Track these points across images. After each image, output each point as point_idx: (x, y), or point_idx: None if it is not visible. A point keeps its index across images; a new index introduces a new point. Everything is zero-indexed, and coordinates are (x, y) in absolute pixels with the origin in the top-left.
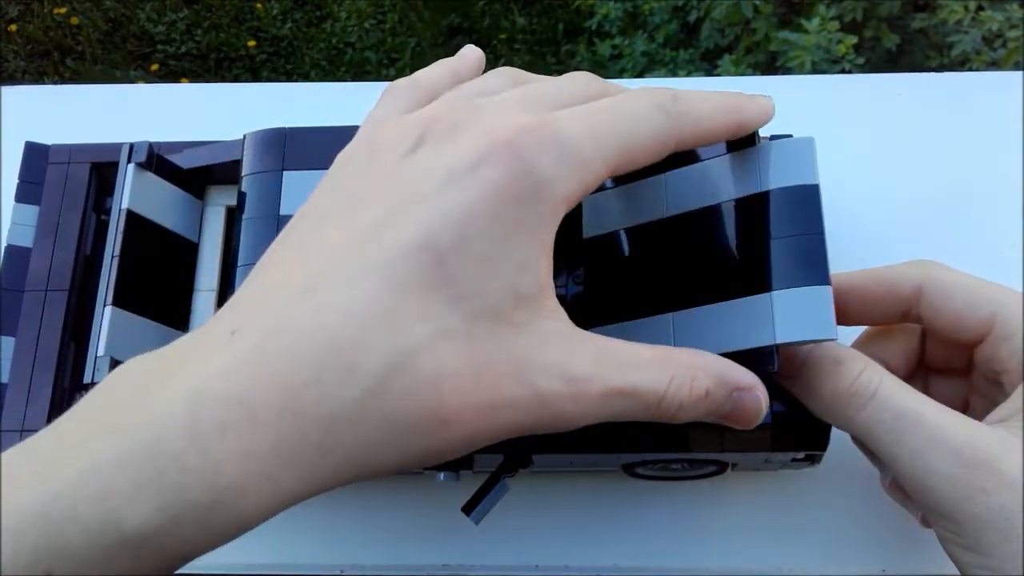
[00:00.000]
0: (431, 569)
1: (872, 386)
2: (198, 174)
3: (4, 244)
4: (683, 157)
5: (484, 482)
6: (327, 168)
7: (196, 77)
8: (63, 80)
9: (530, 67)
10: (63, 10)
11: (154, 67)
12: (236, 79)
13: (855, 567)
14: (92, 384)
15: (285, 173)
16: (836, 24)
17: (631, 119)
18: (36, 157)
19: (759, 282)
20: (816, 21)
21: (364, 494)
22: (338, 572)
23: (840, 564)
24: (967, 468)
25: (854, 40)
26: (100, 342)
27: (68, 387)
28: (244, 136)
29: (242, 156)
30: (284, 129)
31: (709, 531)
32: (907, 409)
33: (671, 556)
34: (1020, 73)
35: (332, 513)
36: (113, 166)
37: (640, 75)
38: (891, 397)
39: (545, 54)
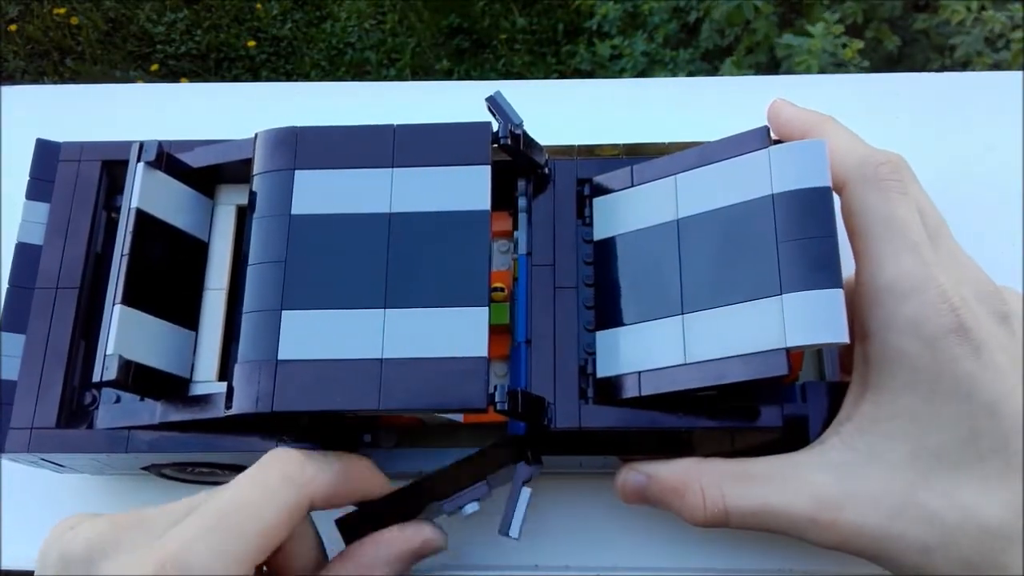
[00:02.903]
0: (431, 569)
1: (720, 504)
2: (208, 173)
3: (13, 241)
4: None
5: (508, 497)
6: (339, 167)
7: (196, 77)
8: (63, 80)
9: (530, 67)
10: (63, 10)
11: (154, 67)
12: (236, 79)
13: (855, 567)
14: (101, 383)
15: (297, 172)
16: (841, 27)
17: (256, 508)
18: (47, 154)
19: (769, 285)
20: (821, 26)
21: None
22: None
23: (840, 564)
24: (820, 529)
25: (860, 45)
26: (109, 340)
27: (78, 385)
28: (255, 135)
29: (253, 155)
30: (296, 128)
31: (708, 531)
32: (756, 506)
33: (671, 556)
34: (1020, 73)
35: (332, 513)
36: (124, 164)
37: (640, 75)
38: (739, 504)
39: (545, 54)
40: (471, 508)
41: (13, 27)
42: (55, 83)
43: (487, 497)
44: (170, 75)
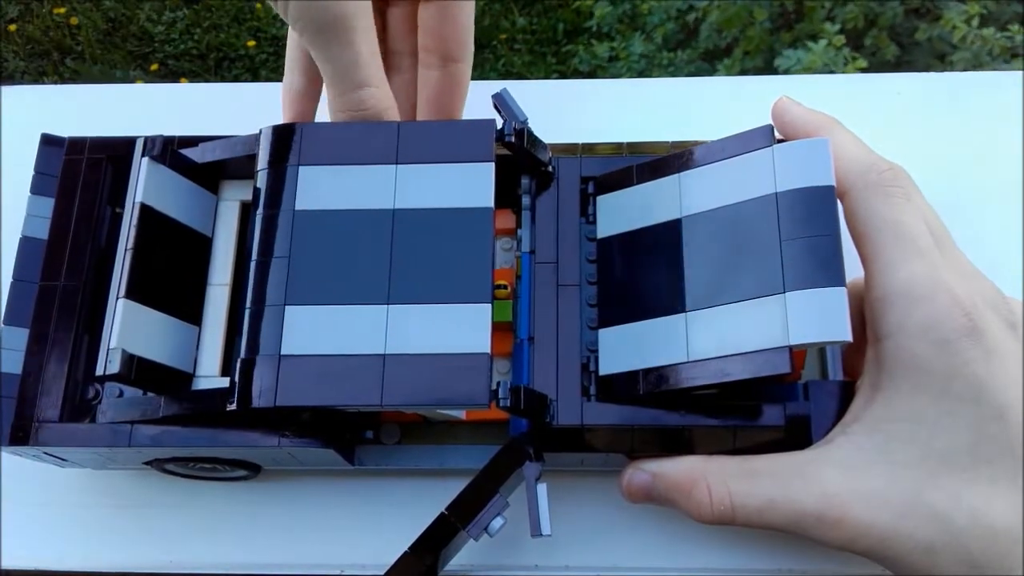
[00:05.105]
0: None
1: (726, 501)
2: (212, 168)
3: (16, 238)
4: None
5: (527, 499)
6: (343, 164)
7: (196, 77)
8: (63, 80)
9: (530, 67)
10: (63, 10)
11: (154, 67)
12: (236, 79)
13: (856, 567)
14: (104, 377)
15: (301, 168)
16: (841, 39)
17: None
18: (51, 149)
19: (773, 283)
20: (823, 43)
21: (365, 494)
22: (338, 572)
23: (840, 564)
24: (827, 526)
25: (864, 64)
26: (113, 335)
27: (81, 380)
28: (260, 131)
29: (257, 151)
30: (300, 124)
31: (709, 531)
32: (762, 503)
33: (671, 556)
34: (1020, 73)
35: (332, 513)
36: (128, 159)
37: (639, 76)
38: (746, 501)
39: (545, 54)
40: (497, 524)
41: (13, 27)
42: (55, 83)
43: (507, 508)
44: (170, 75)
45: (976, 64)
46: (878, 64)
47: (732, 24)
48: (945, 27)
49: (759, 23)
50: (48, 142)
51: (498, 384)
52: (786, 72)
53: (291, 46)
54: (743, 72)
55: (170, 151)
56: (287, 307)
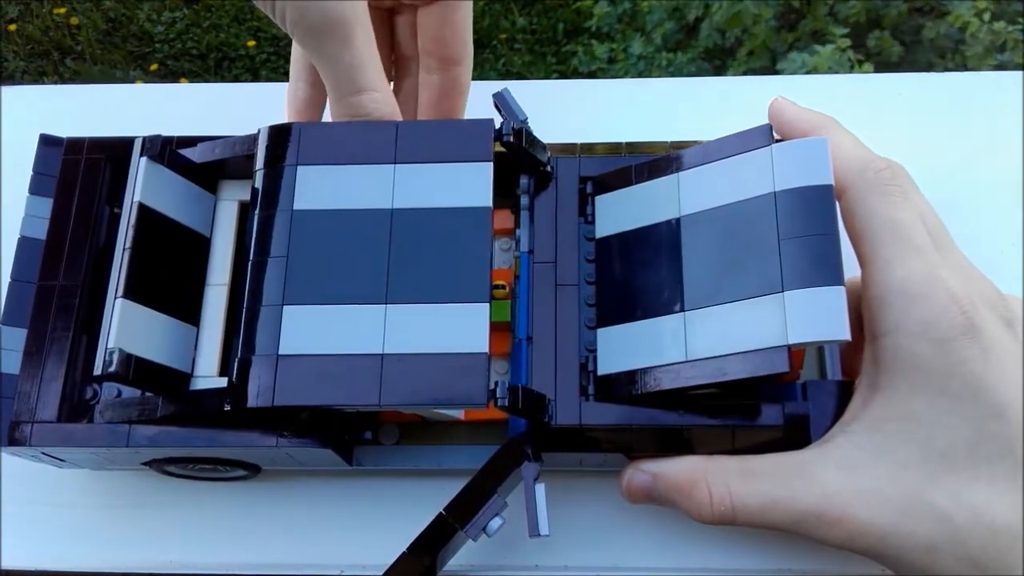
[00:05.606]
0: None
1: (727, 501)
2: (211, 168)
3: (15, 238)
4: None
5: (525, 499)
6: (341, 163)
7: (196, 77)
8: (63, 80)
9: (530, 67)
10: (63, 10)
11: (153, 67)
12: (236, 79)
13: (855, 567)
14: (103, 376)
15: (300, 168)
16: (847, 41)
17: None
18: (50, 149)
19: (771, 282)
20: (830, 48)
21: (363, 494)
22: (337, 572)
23: (840, 564)
24: (827, 525)
25: (870, 69)
26: (111, 334)
27: (79, 380)
28: (258, 131)
29: (256, 150)
30: (299, 124)
31: (709, 531)
32: (762, 502)
33: (671, 556)
34: (1020, 73)
35: (332, 513)
36: (126, 159)
37: (639, 76)
38: (746, 501)
39: (545, 54)
40: (495, 524)
41: (13, 27)
42: (55, 83)
43: (506, 508)
44: (170, 75)
45: (987, 57)
46: (882, 65)
47: (737, 23)
48: (953, 23)
49: (764, 21)
50: (47, 142)
51: (496, 384)
52: (791, 73)
53: (296, 55)
54: (748, 72)
55: (168, 151)
56: (285, 307)
